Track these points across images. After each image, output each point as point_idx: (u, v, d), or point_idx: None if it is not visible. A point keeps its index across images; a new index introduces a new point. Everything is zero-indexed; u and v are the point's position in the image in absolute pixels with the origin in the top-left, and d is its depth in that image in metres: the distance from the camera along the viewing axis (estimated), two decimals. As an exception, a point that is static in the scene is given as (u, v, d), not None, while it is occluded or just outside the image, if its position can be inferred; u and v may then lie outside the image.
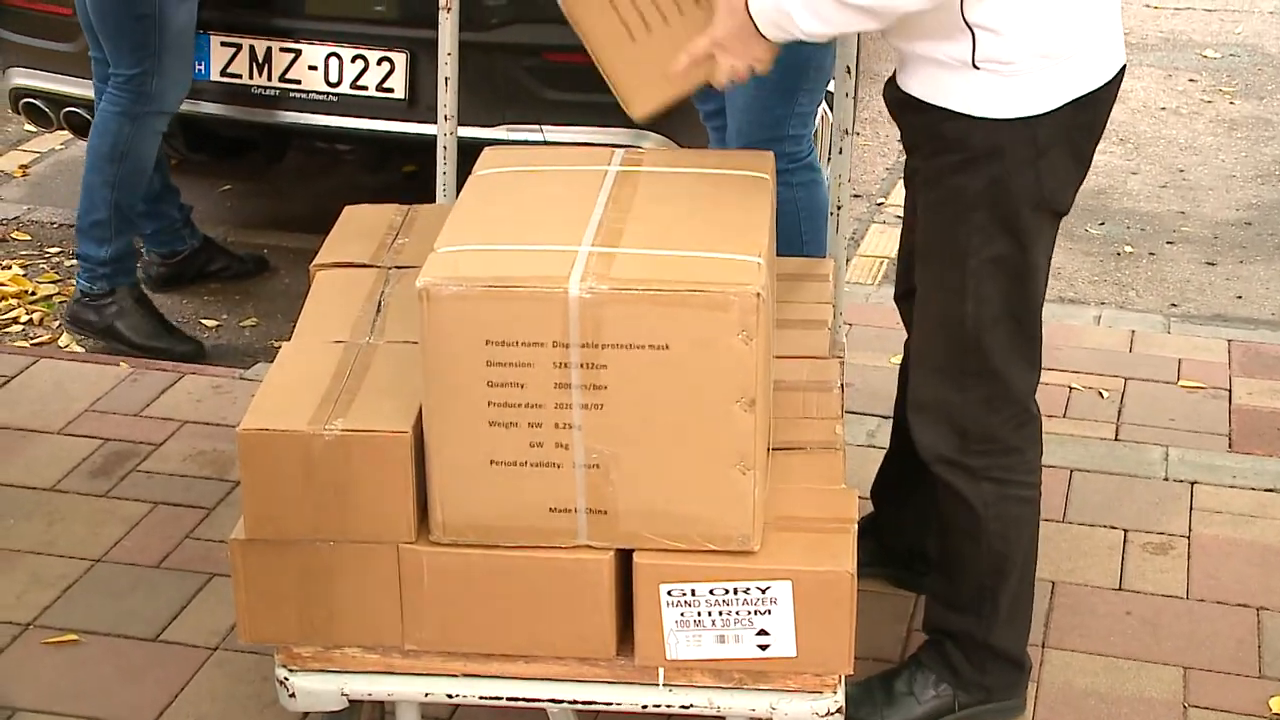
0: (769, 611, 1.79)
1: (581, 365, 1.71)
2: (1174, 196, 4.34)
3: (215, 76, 3.62)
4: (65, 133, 4.20)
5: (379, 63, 3.52)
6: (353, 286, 2.19)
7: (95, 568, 2.61)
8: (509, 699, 1.87)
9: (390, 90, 3.52)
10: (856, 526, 1.84)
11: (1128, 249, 4.02)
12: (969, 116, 1.93)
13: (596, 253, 1.78)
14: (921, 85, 1.97)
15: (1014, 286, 1.99)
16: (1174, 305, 3.68)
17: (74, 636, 2.45)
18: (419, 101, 3.48)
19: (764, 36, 1.87)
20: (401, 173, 4.16)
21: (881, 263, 4.04)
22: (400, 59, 3.49)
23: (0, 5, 3.73)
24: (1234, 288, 3.81)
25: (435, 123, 2.48)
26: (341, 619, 1.85)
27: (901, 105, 2.03)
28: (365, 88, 3.55)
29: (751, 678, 1.81)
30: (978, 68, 1.90)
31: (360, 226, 2.33)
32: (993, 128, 1.93)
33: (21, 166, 4.68)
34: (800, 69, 2.71)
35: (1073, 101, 1.94)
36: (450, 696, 1.89)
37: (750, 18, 1.85)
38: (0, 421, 3.08)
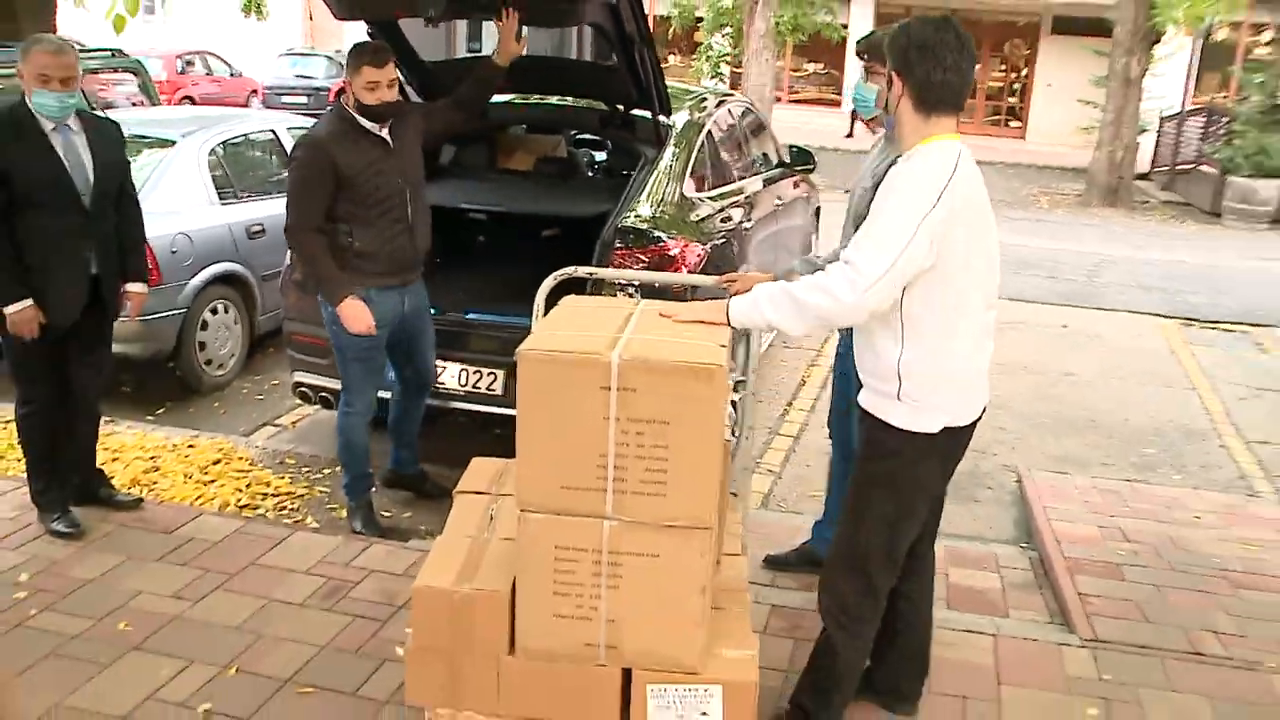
0: (709, 702, 2.36)
1: (609, 564, 2.25)
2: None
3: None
4: (317, 407, 5.47)
5: (488, 373, 4.96)
6: (477, 504, 2.87)
7: (322, 651, 3.46)
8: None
9: (494, 390, 4.95)
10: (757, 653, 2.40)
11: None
12: (889, 425, 2.57)
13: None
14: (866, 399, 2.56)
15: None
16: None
17: (310, 689, 3.29)
18: (509, 395, 4.77)
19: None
20: (494, 433, 5.17)
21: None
22: (500, 373, 4.97)
23: (291, 339, 5.23)
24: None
25: (516, 409, 2.67)
26: (464, 693, 2.43)
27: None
28: (479, 388, 4.98)
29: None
30: (900, 401, 2.58)
31: (480, 470, 3.15)
32: (898, 435, 2.56)
33: (293, 422, 6.10)
34: None
35: (945, 429, 2.62)
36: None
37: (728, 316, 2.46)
38: (272, 563, 4.06)
